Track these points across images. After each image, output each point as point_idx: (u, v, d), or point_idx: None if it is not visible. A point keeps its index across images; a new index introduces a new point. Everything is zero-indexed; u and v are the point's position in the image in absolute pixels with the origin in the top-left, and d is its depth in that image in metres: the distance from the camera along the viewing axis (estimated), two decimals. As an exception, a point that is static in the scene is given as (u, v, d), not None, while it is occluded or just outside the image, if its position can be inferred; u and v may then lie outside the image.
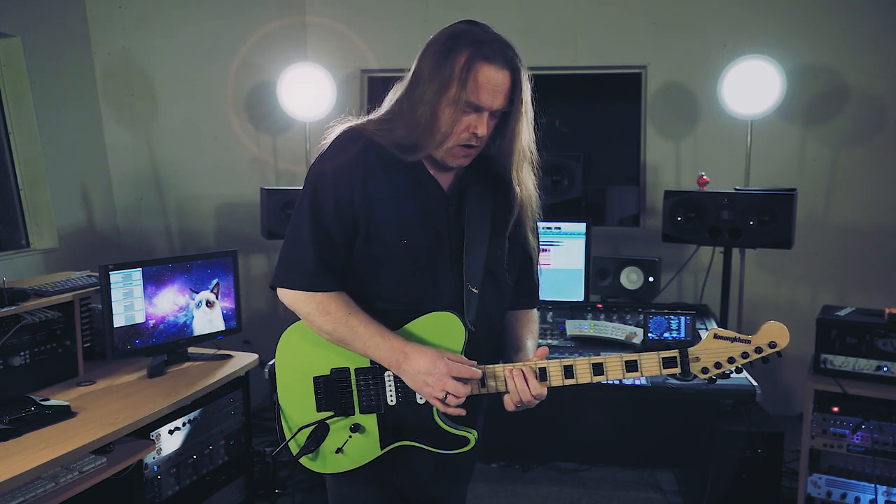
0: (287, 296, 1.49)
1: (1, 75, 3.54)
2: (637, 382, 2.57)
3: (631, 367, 1.42)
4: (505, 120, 1.45)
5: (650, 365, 1.41)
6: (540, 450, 3.43)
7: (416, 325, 1.47)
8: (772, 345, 1.36)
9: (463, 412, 1.43)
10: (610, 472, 3.40)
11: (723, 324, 3.30)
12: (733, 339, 1.37)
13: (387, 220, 1.45)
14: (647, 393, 2.56)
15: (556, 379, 1.45)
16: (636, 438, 3.30)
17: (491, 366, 1.46)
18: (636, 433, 3.27)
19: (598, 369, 1.43)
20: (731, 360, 1.39)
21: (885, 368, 2.56)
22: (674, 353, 1.40)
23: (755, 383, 2.52)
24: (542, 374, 1.45)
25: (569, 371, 1.44)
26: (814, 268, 3.94)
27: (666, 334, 2.79)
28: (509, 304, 1.65)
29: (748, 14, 3.84)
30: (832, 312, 2.72)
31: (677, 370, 1.40)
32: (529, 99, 1.45)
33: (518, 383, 1.43)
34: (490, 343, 1.59)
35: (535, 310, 1.72)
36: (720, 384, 2.52)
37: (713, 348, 1.39)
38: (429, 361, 1.41)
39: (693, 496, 3.03)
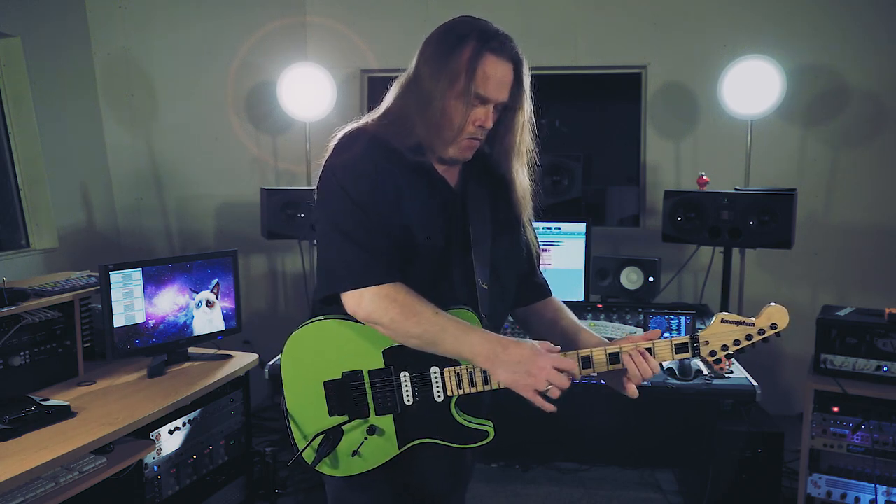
0: (365, 305, 1.37)
1: (1, 75, 3.55)
2: (637, 382, 2.57)
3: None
4: (505, 114, 1.45)
5: (663, 351, 1.43)
6: (540, 450, 3.43)
7: None
8: (773, 326, 1.41)
9: (554, 409, 1.37)
10: (610, 472, 3.40)
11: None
12: (738, 323, 1.42)
13: (410, 219, 1.43)
14: (647, 393, 2.55)
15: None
16: (636, 438, 3.30)
17: (584, 350, 1.42)
18: (636, 433, 3.27)
19: (613, 359, 1.43)
20: (736, 343, 1.43)
21: (885, 368, 2.56)
22: (685, 338, 1.43)
23: (755, 383, 2.51)
24: (586, 363, 1.41)
25: (586, 361, 1.42)
26: (814, 268, 3.94)
27: (666, 334, 2.79)
28: (526, 300, 1.66)
29: (748, 14, 3.84)
30: (832, 312, 2.72)
31: (688, 354, 1.43)
32: (530, 93, 1.45)
33: (638, 362, 1.40)
34: None
35: (554, 296, 1.70)
36: (720, 384, 2.55)
37: (721, 332, 1.43)
38: (530, 351, 1.36)
39: (693, 496, 3.02)
